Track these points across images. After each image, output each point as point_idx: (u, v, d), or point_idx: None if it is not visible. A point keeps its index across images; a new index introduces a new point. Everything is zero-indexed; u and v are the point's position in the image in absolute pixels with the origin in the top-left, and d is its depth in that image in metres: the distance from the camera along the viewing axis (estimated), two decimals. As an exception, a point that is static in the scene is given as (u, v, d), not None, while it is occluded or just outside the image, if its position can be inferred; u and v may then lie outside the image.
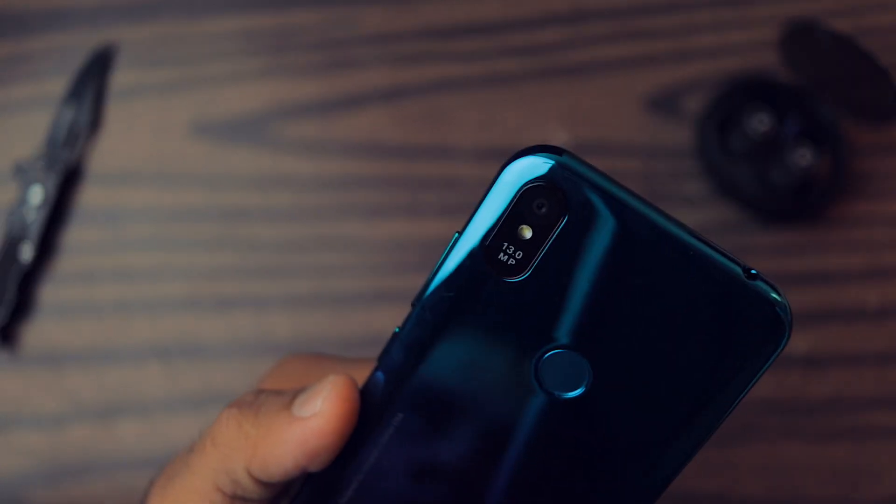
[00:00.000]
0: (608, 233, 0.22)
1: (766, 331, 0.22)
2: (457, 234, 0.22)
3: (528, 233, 0.22)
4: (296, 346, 0.44)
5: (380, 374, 0.24)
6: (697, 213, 0.46)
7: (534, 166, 0.22)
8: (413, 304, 0.23)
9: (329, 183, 0.46)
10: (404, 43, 0.48)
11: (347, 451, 0.24)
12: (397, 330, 0.23)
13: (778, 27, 0.46)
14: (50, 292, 0.45)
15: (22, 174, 0.45)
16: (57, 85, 0.47)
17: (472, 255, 0.22)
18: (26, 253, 0.44)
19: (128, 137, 0.47)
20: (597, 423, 0.23)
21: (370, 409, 0.24)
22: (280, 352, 0.44)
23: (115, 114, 0.47)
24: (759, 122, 0.44)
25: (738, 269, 0.21)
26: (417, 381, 0.23)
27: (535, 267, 0.22)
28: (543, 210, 0.22)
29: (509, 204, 0.22)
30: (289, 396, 0.24)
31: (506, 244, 0.22)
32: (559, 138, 0.46)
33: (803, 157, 0.44)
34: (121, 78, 0.47)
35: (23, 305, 0.45)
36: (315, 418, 0.23)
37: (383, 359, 0.24)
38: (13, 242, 0.45)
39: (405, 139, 0.47)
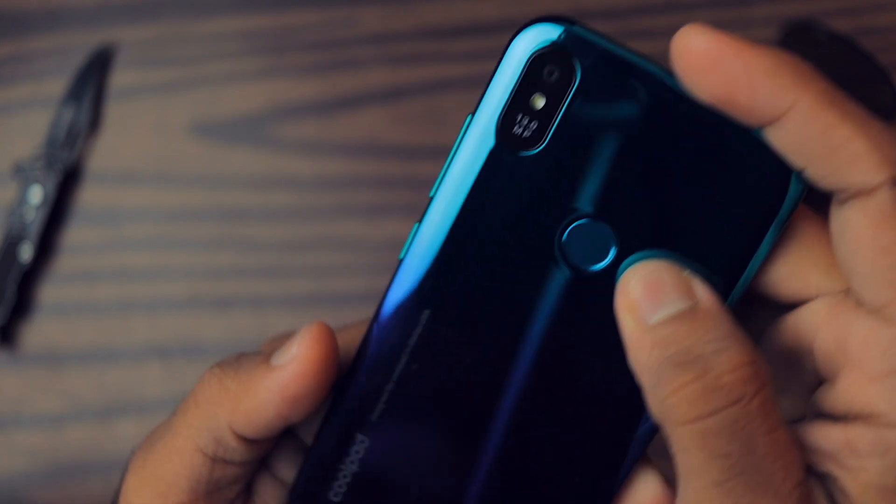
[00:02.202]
0: (621, 95, 0.21)
1: (781, 180, 0.21)
2: (470, 116, 0.22)
3: (540, 102, 0.22)
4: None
5: (402, 274, 0.23)
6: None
7: (541, 34, 0.22)
8: (431, 198, 0.23)
9: (328, 183, 0.46)
10: (404, 43, 0.48)
11: (373, 363, 0.23)
12: (417, 225, 0.23)
13: (777, 27, 0.46)
14: (50, 292, 0.45)
15: (21, 174, 0.45)
16: (57, 85, 0.47)
17: (487, 133, 0.22)
18: (26, 253, 0.44)
19: (127, 137, 0.47)
20: None
21: (395, 313, 0.23)
22: (280, 352, 0.44)
23: (115, 114, 0.47)
24: (759, 123, 0.44)
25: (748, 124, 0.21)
26: (442, 271, 0.23)
27: (552, 137, 0.22)
28: (554, 76, 0.21)
29: (520, 74, 0.22)
30: (268, 353, 0.24)
31: (519, 116, 0.22)
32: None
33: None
34: (120, 78, 0.47)
35: (22, 305, 0.45)
36: (291, 363, 0.23)
37: (405, 257, 0.23)
38: (13, 242, 0.45)
39: (405, 139, 0.47)
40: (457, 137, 0.23)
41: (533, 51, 0.22)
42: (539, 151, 0.22)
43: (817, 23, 0.42)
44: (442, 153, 0.47)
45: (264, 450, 0.25)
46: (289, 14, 0.48)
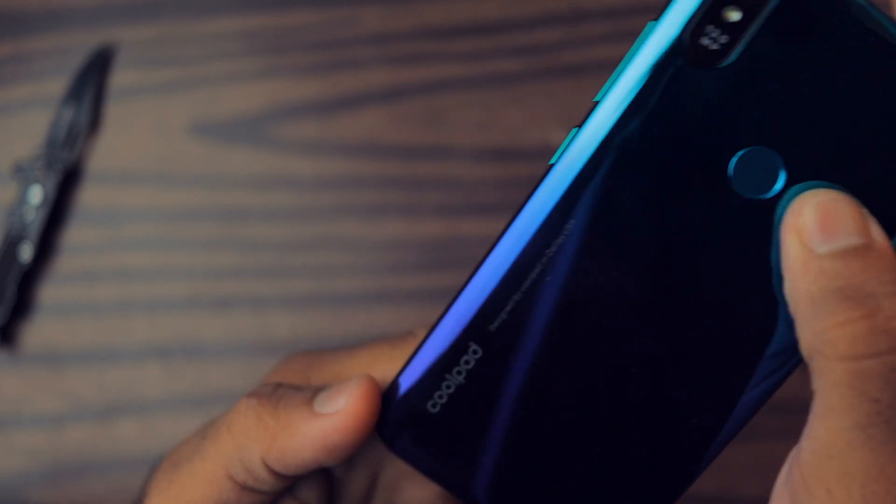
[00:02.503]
0: (818, 22, 0.20)
1: None
2: (652, 22, 0.21)
3: (735, 15, 0.21)
4: (295, 345, 0.44)
5: (550, 180, 0.22)
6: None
7: None
8: (595, 102, 0.22)
9: (328, 183, 0.46)
10: (404, 43, 0.48)
11: (501, 268, 0.22)
12: (574, 130, 0.22)
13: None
14: (49, 292, 0.45)
15: (21, 174, 0.45)
16: (57, 85, 0.47)
17: (672, 38, 0.21)
18: (26, 253, 0.44)
19: (127, 137, 0.47)
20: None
21: (536, 219, 0.22)
22: (279, 351, 0.44)
23: (115, 114, 0.47)
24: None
25: None
26: (595, 182, 0.21)
27: (739, 54, 0.21)
28: None
29: None
30: (310, 392, 0.24)
31: (710, 27, 0.21)
32: (559, 138, 0.46)
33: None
34: (120, 78, 0.47)
35: (22, 305, 0.45)
36: (338, 415, 0.23)
37: (557, 163, 0.22)
38: (13, 242, 0.45)
39: (405, 139, 0.47)
40: (628, 52, 0.21)
41: None
42: (723, 67, 0.21)
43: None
44: (441, 153, 0.47)
45: (293, 482, 0.25)
46: (289, 14, 0.48)
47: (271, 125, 0.47)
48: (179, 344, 0.44)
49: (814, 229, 0.20)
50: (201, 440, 0.25)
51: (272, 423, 0.24)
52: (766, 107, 0.21)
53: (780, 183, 0.21)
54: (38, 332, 0.45)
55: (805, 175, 0.21)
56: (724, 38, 0.21)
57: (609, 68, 0.48)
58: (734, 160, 0.21)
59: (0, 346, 0.44)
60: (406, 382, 0.23)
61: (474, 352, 0.23)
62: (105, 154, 0.47)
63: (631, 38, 0.48)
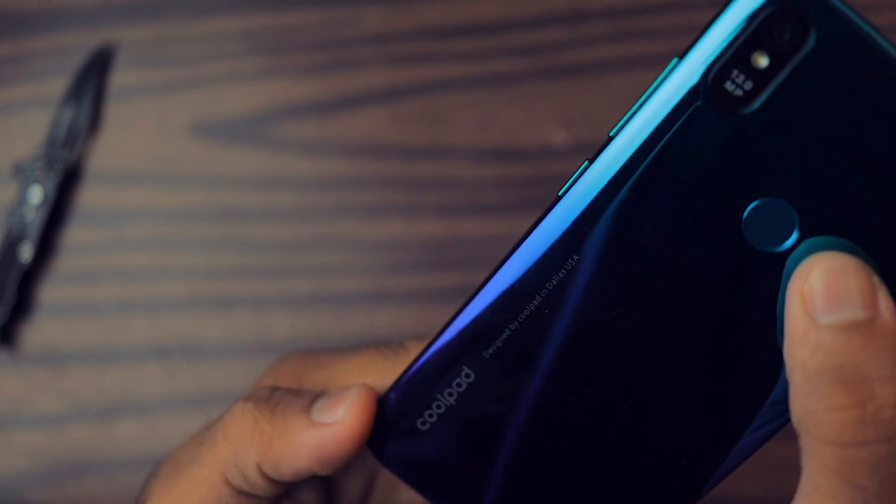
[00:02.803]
0: (851, 73, 0.19)
1: None
2: (676, 59, 0.20)
3: (763, 61, 0.20)
4: (295, 345, 0.44)
5: (558, 210, 0.21)
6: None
7: None
8: (610, 136, 0.21)
9: (328, 183, 0.46)
10: (404, 43, 0.48)
11: (501, 296, 0.22)
12: (586, 163, 0.21)
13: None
14: (49, 292, 0.45)
15: (21, 174, 0.45)
16: (57, 85, 0.47)
17: (694, 80, 0.20)
18: (26, 253, 0.44)
19: (127, 137, 0.47)
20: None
21: (540, 249, 0.21)
22: (279, 351, 0.44)
23: (115, 114, 0.47)
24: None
25: None
26: (605, 217, 0.21)
27: (763, 101, 0.20)
28: (786, 37, 0.19)
29: (750, 27, 0.20)
30: (307, 399, 0.24)
31: (735, 71, 0.20)
32: (558, 138, 0.46)
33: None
34: (120, 78, 0.47)
35: (22, 305, 0.45)
36: (336, 426, 0.23)
37: (566, 194, 0.21)
38: (13, 242, 0.45)
39: (404, 139, 0.47)
40: (654, 82, 0.21)
41: (771, 4, 0.19)
42: (745, 114, 0.20)
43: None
44: (441, 153, 0.47)
45: (289, 487, 0.25)
46: (289, 14, 0.48)
47: (271, 125, 0.47)
48: (179, 344, 0.44)
49: (818, 297, 0.19)
50: (199, 445, 0.25)
51: (268, 428, 0.24)
52: (785, 158, 0.20)
53: (793, 236, 0.21)
54: (38, 332, 0.45)
55: (820, 230, 0.20)
56: (748, 85, 0.20)
57: (609, 68, 0.48)
58: (748, 209, 0.21)
59: (0, 346, 0.44)
60: (398, 398, 0.24)
61: (467, 375, 0.23)
62: (105, 154, 0.47)
63: (631, 38, 0.48)
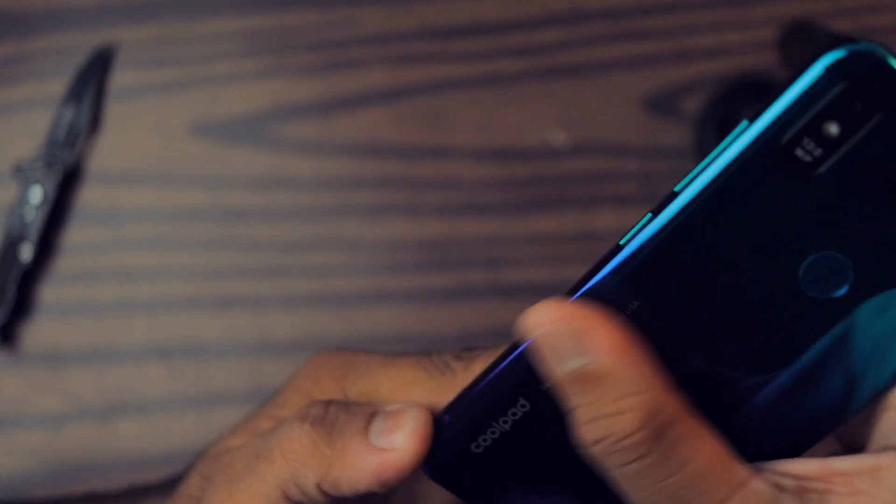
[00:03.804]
0: None
1: None
2: (746, 122, 0.21)
3: (834, 130, 0.20)
4: (295, 345, 0.44)
5: (620, 259, 0.22)
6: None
7: (866, 60, 0.20)
8: (674, 191, 0.22)
9: (329, 183, 0.46)
10: (404, 43, 0.48)
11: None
12: (649, 215, 0.22)
13: (777, 27, 0.46)
14: (50, 292, 0.45)
15: (22, 174, 0.45)
16: (57, 85, 0.47)
17: (764, 144, 0.21)
18: (26, 253, 0.44)
19: (128, 137, 0.47)
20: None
21: (600, 295, 0.22)
22: (280, 352, 0.44)
23: (115, 114, 0.47)
24: (759, 123, 0.44)
25: None
26: (667, 268, 0.22)
27: (830, 168, 0.21)
28: (858, 109, 0.20)
29: (825, 97, 0.20)
30: (363, 418, 0.25)
31: (806, 139, 0.20)
32: (558, 138, 0.46)
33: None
34: (121, 78, 0.47)
35: (23, 305, 0.45)
36: (396, 452, 0.24)
37: (627, 244, 0.22)
38: (13, 242, 0.45)
39: (405, 139, 0.47)
40: (724, 140, 0.21)
41: (851, 77, 0.20)
42: (810, 178, 0.21)
43: (817, 23, 0.42)
44: (441, 153, 0.47)
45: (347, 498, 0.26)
46: (289, 14, 0.48)
47: (271, 125, 0.47)
48: (180, 344, 0.44)
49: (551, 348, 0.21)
50: (256, 458, 0.25)
51: (328, 452, 0.24)
52: (846, 218, 0.21)
53: (845, 287, 0.22)
54: (38, 332, 0.45)
55: (870, 284, 0.22)
56: (817, 152, 0.21)
57: (609, 68, 0.48)
58: (806, 264, 0.22)
59: (0, 346, 0.44)
60: (454, 421, 0.25)
61: (522, 406, 0.24)
62: (105, 154, 0.47)
63: (631, 38, 0.48)
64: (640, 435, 0.20)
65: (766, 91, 0.46)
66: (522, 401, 0.24)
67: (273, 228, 0.45)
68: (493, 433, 0.24)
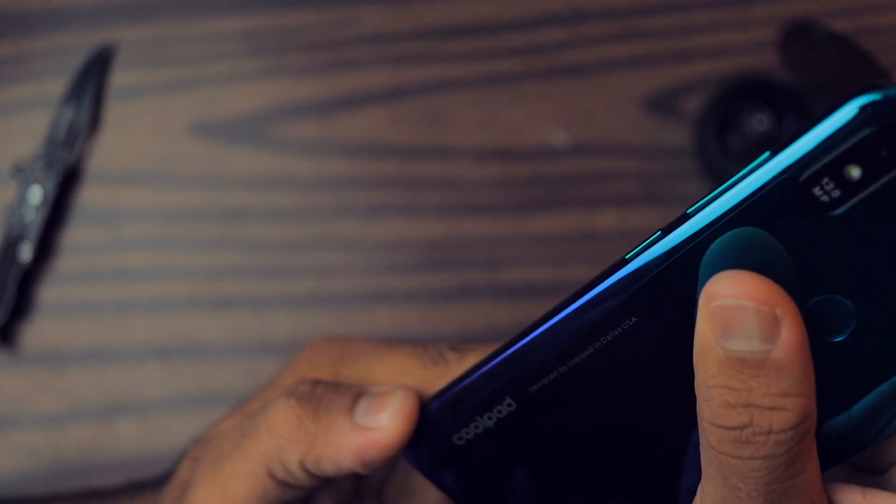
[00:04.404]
0: None
1: None
2: (768, 153, 0.21)
3: (855, 173, 0.20)
4: (295, 346, 0.44)
5: (624, 273, 0.22)
6: (697, 214, 0.46)
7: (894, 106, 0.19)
8: (687, 213, 0.22)
9: (328, 183, 0.46)
10: (404, 43, 0.48)
11: (556, 341, 0.23)
12: (659, 233, 0.22)
13: (777, 27, 0.46)
14: (49, 292, 0.45)
15: (21, 174, 0.45)
16: (57, 85, 0.47)
17: (782, 179, 0.20)
18: (25, 253, 0.44)
19: (127, 137, 0.47)
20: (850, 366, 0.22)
21: (600, 307, 0.22)
22: (280, 351, 0.44)
23: (115, 114, 0.47)
24: (759, 123, 0.44)
25: None
26: (670, 287, 0.22)
27: (846, 210, 0.20)
28: (883, 155, 0.20)
29: (851, 140, 0.20)
30: (349, 397, 0.25)
31: (826, 179, 0.20)
32: (558, 138, 0.46)
33: (803, 157, 0.44)
34: (120, 78, 0.47)
35: (22, 305, 0.45)
36: (379, 431, 0.24)
37: (633, 258, 0.22)
38: (12, 242, 0.45)
39: (404, 139, 0.47)
40: (741, 170, 0.21)
41: (882, 122, 0.19)
42: (824, 219, 0.21)
43: (817, 23, 0.42)
44: (441, 153, 0.47)
45: (329, 480, 0.26)
46: (289, 14, 0.48)
47: (271, 125, 0.47)
48: (179, 344, 0.44)
49: (719, 322, 0.20)
50: (242, 436, 0.26)
51: (312, 427, 0.24)
52: (855, 264, 0.21)
53: (846, 333, 0.21)
54: (38, 332, 0.45)
55: (873, 333, 0.21)
56: (836, 193, 0.20)
57: (609, 68, 0.48)
58: (809, 303, 0.21)
59: (0, 346, 0.44)
60: (440, 411, 0.25)
61: (508, 405, 0.24)
62: (105, 154, 0.47)
63: (631, 38, 0.48)
64: (790, 433, 0.20)
65: (766, 91, 0.46)
66: (509, 400, 0.24)
67: (273, 228, 0.45)
68: (476, 428, 0.24)
